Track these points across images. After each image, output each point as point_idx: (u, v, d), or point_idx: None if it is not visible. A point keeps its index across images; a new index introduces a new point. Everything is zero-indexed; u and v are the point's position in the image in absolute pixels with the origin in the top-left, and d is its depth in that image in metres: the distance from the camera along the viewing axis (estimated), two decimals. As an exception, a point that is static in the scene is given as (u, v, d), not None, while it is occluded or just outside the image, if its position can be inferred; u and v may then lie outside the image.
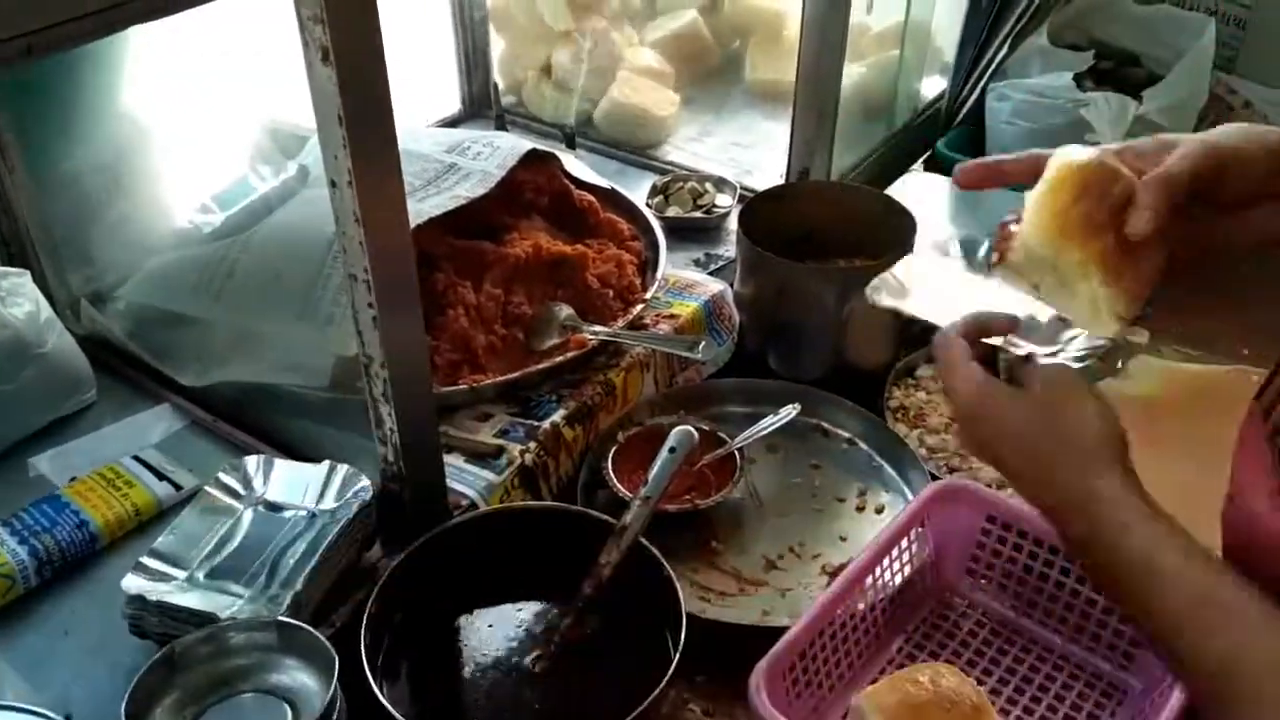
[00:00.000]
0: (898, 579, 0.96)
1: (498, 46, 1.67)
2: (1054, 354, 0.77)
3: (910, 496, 1.08)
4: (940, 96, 1.71)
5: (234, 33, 1.19)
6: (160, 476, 0.99)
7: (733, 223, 1.33)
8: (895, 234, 1.24)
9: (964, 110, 1.68)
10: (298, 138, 1.23)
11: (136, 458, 1.01)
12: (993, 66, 1.62)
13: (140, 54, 1.12)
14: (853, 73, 1.56)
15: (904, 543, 0.96)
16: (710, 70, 1.76)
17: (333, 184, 0.76)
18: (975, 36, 1.63)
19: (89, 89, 1.11)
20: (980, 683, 0.91)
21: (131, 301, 1.16)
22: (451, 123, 1.67)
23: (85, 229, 1.16)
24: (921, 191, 1.49)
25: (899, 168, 1.61)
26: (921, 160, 1.66)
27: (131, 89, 1.14)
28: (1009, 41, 1.61)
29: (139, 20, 0.64)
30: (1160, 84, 1.50)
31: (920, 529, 0.97)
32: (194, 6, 0.67)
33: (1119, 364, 1.17)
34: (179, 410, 1.09)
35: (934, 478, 1.07)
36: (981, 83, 1.64)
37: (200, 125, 1.23)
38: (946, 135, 1.65)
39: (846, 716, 0.85)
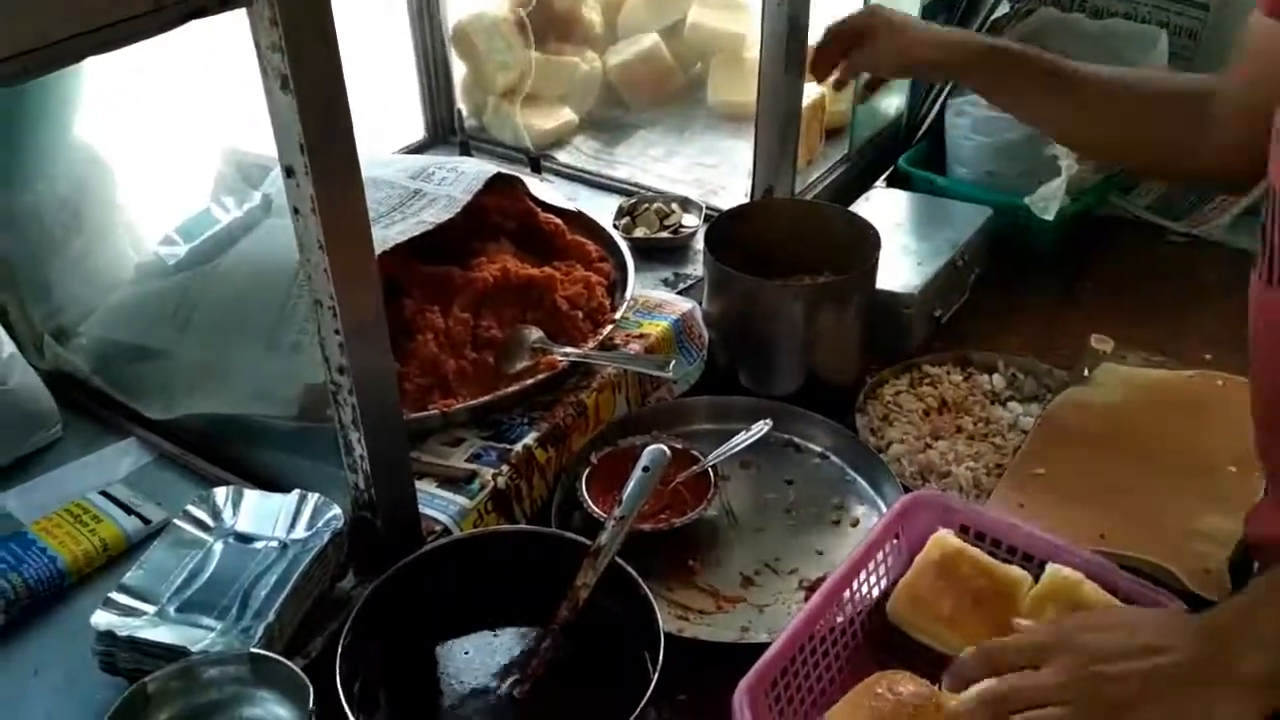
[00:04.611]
0: (875, 591, 0.96)
1: (459, 72, 1.67)
2: None
3: (884, 509, 1.08)
4: (900, 113, 1.73)
5: (194, 63, 1.19)
6: (128, 511, 0.98)
7: (699, 242, 1.34)
8: (859, 249, 1.25)
9: (924, 126, 1.70)
10: (261, 167, 1.23)
11: (104, 493, 1.00)
12: (951, 83, 1.64)
13: (98, 85, 1.11)
14: (812, 91, 1.58)
15: (880, 555, 0.96)
16: (673, 92, 1.78)
17: (296, 211, 0.76)
18: (933, 54, 1.65)
19: (45, 121, 1.10)
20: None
21: (95, 336, 1.15)
22: (416, 149, 1.67)
23: (46, 264, 1.15)
24: (885, 207, 1.50)
25: (862, 184, 1.63)
26: (884, 177, 1.68)
27: (89, 120, 1.13)
28: (966, 58, 1.63)
29: (93, 52, 0.64)
30: (1115, 96, 1.52)
31: (895, 541, 0.98)
32: (150, 37, 0.66)
33: (1085, 371, 1.18)
34: (146, 444, 1.08)
35: (907, 489, 1.08)
36: (940, 99, 1.66)
37: (162, 156, 1.22)
38: (908, 151, 1.66)
39: None
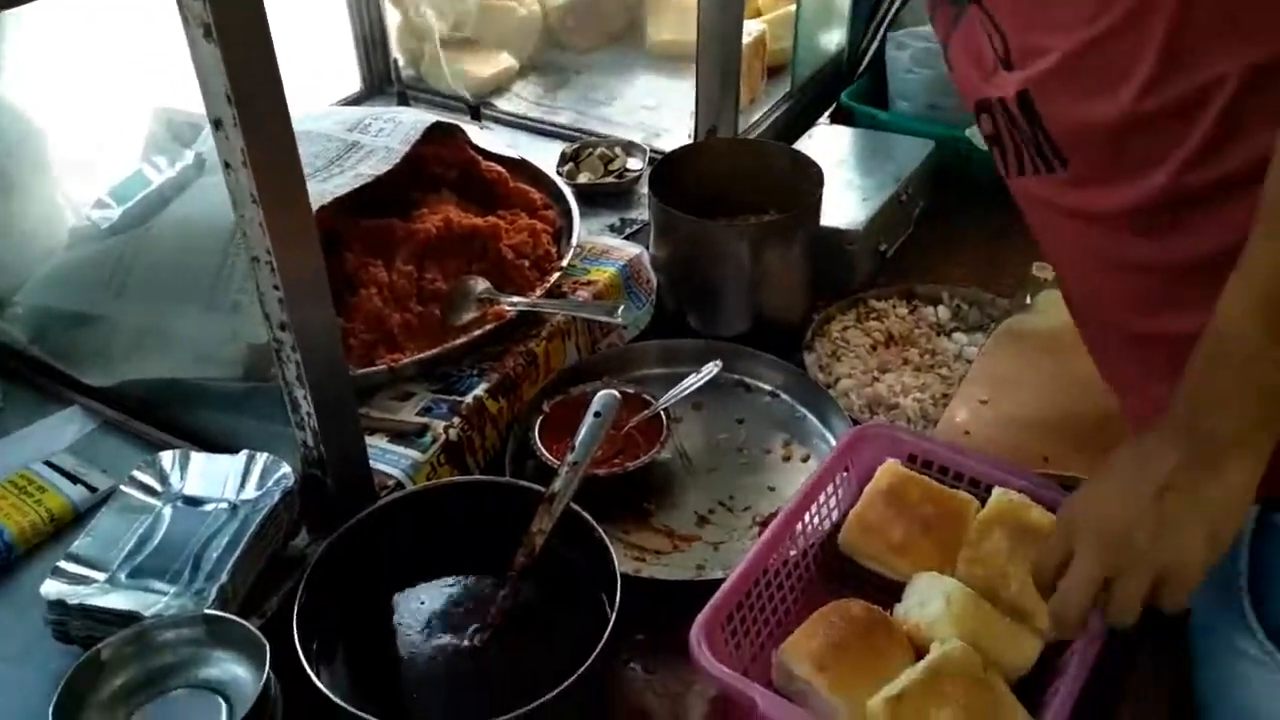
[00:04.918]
0: (827, 524, 0.98)
1: (394, 20, 1.64)
2: None
3: (833, 443, 1.10)
4: (841, 49, 1.73)
5: (120, 17, 1.16)
6: (74, 480, 0.97)
7: (644, 186, 1.33)
8: (803, 187, 1.26)
9: (865, 61, 1.69)
10: (192, 125, 1.20)
11: (48, 462, 0.99)
12: (890, 15, 1.64)
13: (18, 43, 1.08)
14: (753, 29, 1.57)
15: (830, 488, 0.98)
16: (613, 34, 1.75)
17: (227, 166, 0.74)
18: (872, -13, 1.65)
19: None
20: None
21: (31, 305, 1.12)
22: (353, 102, 1.63)
23: (-26, 233, 1.12)
24: (828, 143, 1.50)
25: (805, 121, 1.62)
26: (827, 113, 1.67)
27: (11, 81, 1.09)
28: (905, -10, 1.63)
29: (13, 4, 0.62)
30: (1053, 24, 1.53)
31: (845, 473, 0.99)
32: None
33: (1027, 299, 1.20)
34: (89, 411, 1.06)
35: (856, 423, 1.09)
36: (880, 32, 1.66)
37: (90, 117, 1.19)
38: (850, 86, 1.66)
39: (772, 675, 0.87)
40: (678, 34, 1.66)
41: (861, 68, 1.70)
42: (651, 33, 1.72)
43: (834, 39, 1.72)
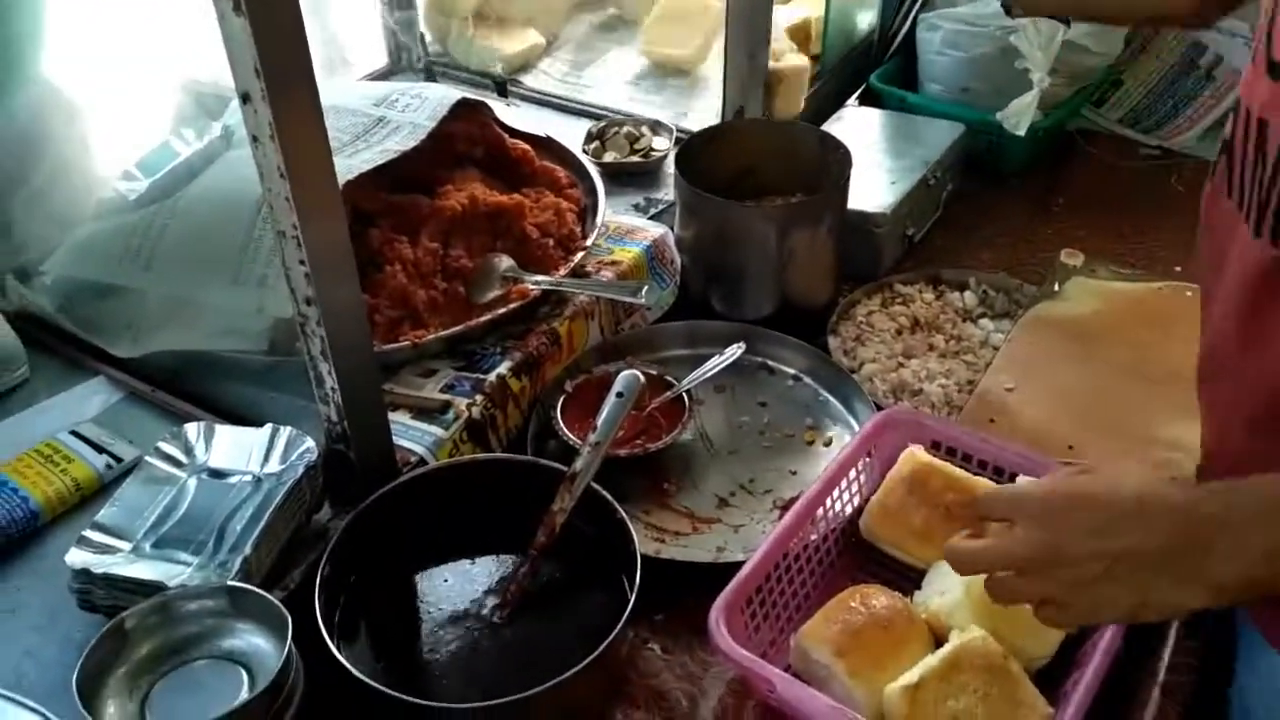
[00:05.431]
0: (849, 509, 0.97)
1: (422, -3, 1.64)
2: None
3: (857, 428, 1.09)
4: (872, 29, 1.71)
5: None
6: (99, 450, 0.98)
7: (670, 165, 1.32)
8: (831, 169, 1.24)
9: (896, 42, 1.67)
10: (219, 98, 1.21)
11: (74, 432, 0.99)
12: (923, -3, 1.63)
13: (51, 17, 1.08)
14: (795, 16, 1.55)
15: (853, 473, 0.97)
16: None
17: (254, 139, 0.74)
18: (904, -32, 1.63)
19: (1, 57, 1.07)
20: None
21: (59, 275, 1.13)
22: (380, 77, 1.63)
23: (4, 203, 1.13)
24: (857, 125, 1.49)
25: (834, 103, 1.61)
26: (856, 95, 1.66)
27: (48, 55, 1.10)
28: (938, -29, 1.61)
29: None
30: (1088, 7, 1.51)
31: (868, 458, 0.99)
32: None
33: (1055, 285, 1.19)
34: (115, 382, 1.07)
35: (880, 408, 1.08)
36: (912, 14, 1.64)
37: (119, 89, 1.19)
38: (880, 68, 1.64)
39: (790, 658, 0.87)
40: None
41: (892, 49, 1.68)
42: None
43: (867, 19, 1.70)
